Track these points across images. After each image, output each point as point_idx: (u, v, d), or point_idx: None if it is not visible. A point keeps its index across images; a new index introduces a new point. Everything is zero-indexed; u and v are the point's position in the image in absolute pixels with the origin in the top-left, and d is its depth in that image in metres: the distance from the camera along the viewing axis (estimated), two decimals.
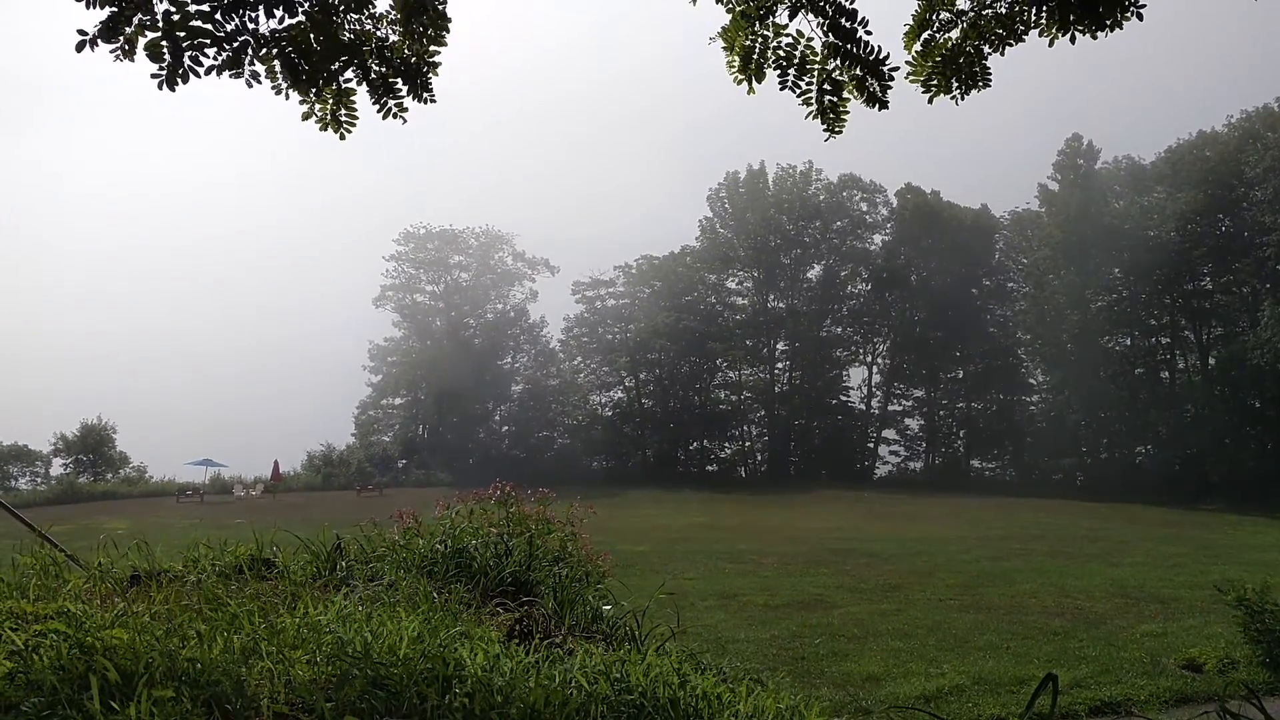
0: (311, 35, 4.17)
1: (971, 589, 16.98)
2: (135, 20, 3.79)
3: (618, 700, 4.12)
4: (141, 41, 3.83)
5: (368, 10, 4.36)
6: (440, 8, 4.39)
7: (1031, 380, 66.79)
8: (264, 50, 4.10)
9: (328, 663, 4.02)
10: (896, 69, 4.51)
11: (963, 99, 4.73)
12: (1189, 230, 53.93)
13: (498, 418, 72.01)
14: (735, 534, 30.25)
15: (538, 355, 72.93)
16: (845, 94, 4.54)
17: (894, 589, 17.08)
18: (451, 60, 4.53)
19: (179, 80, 3.86)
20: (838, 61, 4.46)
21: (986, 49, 4.64)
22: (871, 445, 70.09)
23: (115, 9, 3.76)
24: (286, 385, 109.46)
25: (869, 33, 4.38)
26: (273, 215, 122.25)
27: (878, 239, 71.13)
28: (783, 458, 68.58)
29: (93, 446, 59.05)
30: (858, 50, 4.40)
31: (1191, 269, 56.01)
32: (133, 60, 3.85)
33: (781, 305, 71.00)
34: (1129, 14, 4.32)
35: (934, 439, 69.29)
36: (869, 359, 71.16)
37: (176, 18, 3.80)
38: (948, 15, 4.63)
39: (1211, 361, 55.70)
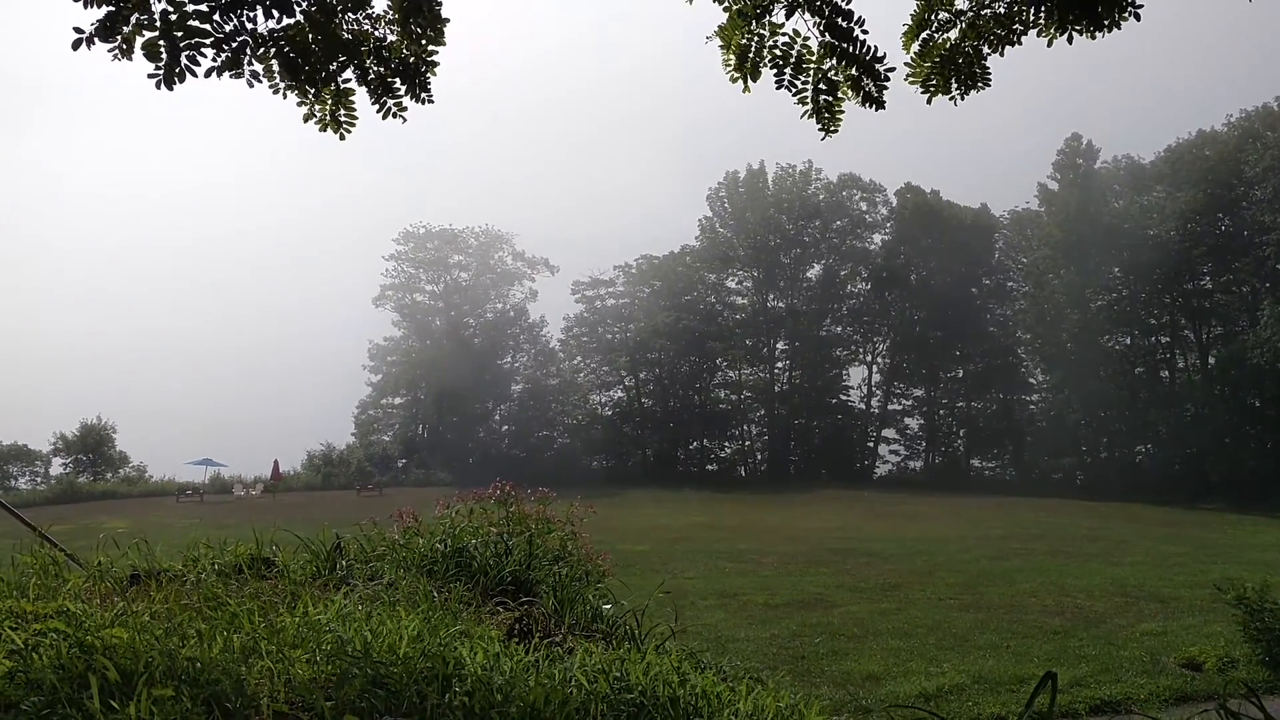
0: (310, 35, 4.17)
1: (971, 588, 16.98)
2: (133, 20, 3.79)
3: (617, 699, 4.13)
4: (139, 41, 3.83)
5: (365, 10, 4.36)
6: (437, 8, 4.40)
7: (1031, 380, 66.83)
8: (262, 50, 4.10)
9: (327, 662, 4.02)
10: (893, 70, 4.51)
11: (962, 99, 4.74)
12: (1189, 229, 53.94)
13: (497, 417, 72.04)
14: (735, 533, 30.25)
15: (537, 355, 72.98)
16: (840, 94, 4.54)
17: (894, 588, 17.09)
18: (451, 60, 4.54)
19: (176, 80, 3.86)
20: (834, 61, 4.46)
21: (985, 49, 4.64)
22: (871, 445, 70.15)
23: (112, 8, 3.76)
24: (286, 385, 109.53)
25: (865, 32, 4.39)
26: (273, 215, 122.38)
27: (877, 238, 71.27)
28: (783, 457, 68.60)
29: (92, 446, 59.08)
30: (854, 50, 4.40)
31: (1191, 268, 56.02)
32: (130, 59, 3.85)
33: (781, 305, 71.03)
34: (1127, 14, 4.33)
35: (934, 438, 69.32)
36: (869, 358, 71.34)
37: (174, 17, 3.80)
38: (946, 15, 4.63)
39: (1211, 361, 55.70)
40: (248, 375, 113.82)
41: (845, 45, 4.40)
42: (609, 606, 7.29)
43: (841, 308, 71.19)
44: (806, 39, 4.48)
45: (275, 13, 4.02)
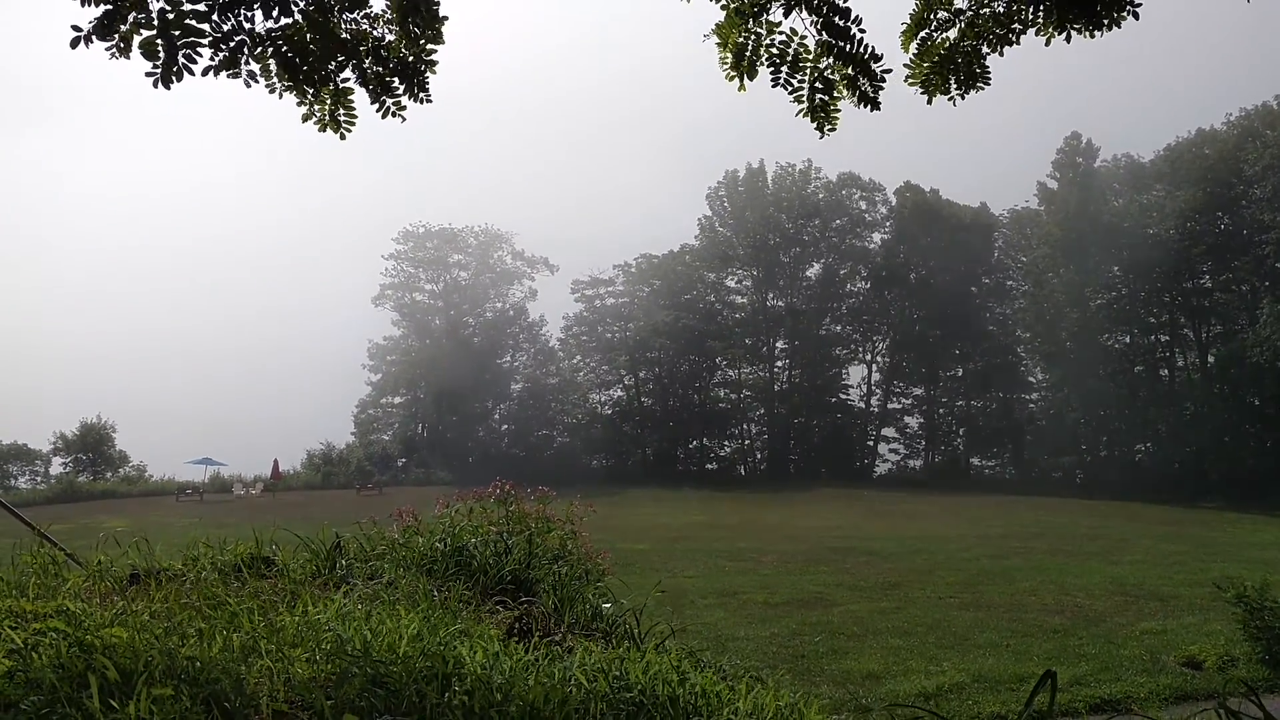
0: (308, 34, 4.17)
1: (971, 587, 16.99)
2: (130, 18, 3.79)
3: (617, 698, 4.13)
4: (136, 39, 3.83)
5: (364, 9, 4.36)
6: (435, 7, 4.39)
7: (1031, 378, 66.88)
8: (260, 49, 4.10)
9: (327, 661, 4.02)
10: (889, 70, 4.51)
11: (961, 99, 4.73)
12: (1188, 228, 53.96)
13: (497, 416, 72.08)
14: (735, 532, 30.25)
15: (537, 354, 72.98)
16: (836, 92, 4.53)
17: (893, 587, 17.09)
18: (451, 60, 4.54)
19: (174, 79, 3.86)
20: (830, 60, 4.46)
21: (984, 49, 4.64)
22: (871, 443, 70.18)
23: (109, 6, 3.76)
24: (286, 385, 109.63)
25: (863, 31, 4.38)
26: (272, 215, 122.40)
27: (877, 237, 71.31)
28: (782, 456, 68.63)
29: (92, 445, 59.10)
30: (851, 49, 4.40)
31: (1191, 267, 56.03)
32: (128, 58, 3.86)
33: (781, 304, 71.05)
34: (1125, 13, 4.33)
35: (933, 437, 69.35)
36: (868, 357, 71.40)
37: (171, 16, 3.80)
38: (945, 15, 4.63)
39: (1211, 359, 55.72)
40: (248, 375, 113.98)
41: (842, 44, 4.40)
42: (608, 605, 7.29)
43: (841, 307, 71.21)
44: (804, 37, 4.48)
45: (273, 12, 4.02)
